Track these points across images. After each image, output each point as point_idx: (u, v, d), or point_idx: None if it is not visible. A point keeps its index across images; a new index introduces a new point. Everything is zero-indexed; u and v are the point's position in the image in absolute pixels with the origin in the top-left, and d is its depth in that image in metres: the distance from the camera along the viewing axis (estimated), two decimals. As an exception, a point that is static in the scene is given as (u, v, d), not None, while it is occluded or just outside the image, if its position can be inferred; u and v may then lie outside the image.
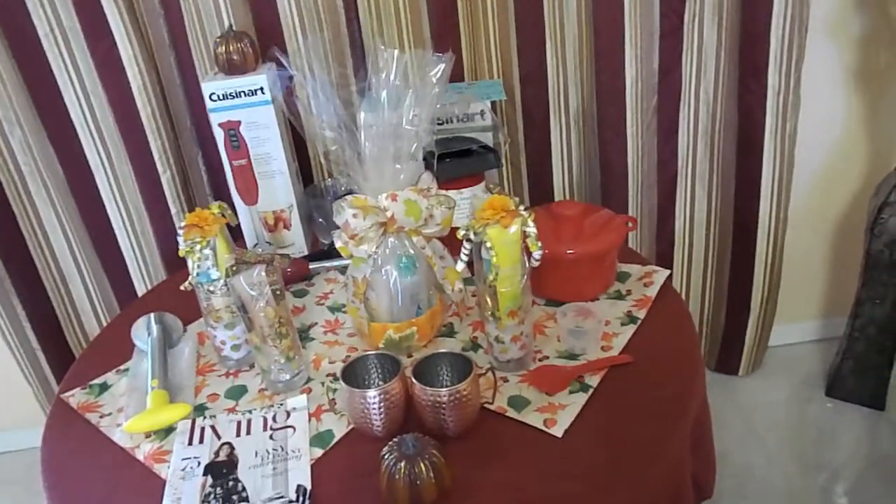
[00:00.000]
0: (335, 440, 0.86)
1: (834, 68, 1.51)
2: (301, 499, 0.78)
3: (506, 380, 0.91)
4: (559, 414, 0.85)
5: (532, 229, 0.86)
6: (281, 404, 0.92)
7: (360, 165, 0.93)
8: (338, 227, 0.95)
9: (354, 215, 0.91)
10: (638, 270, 1.11)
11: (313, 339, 1.05)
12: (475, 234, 0.86)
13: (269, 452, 0.85)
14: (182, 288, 0.96)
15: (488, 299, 0.89)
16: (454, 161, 1.21)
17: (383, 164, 0.92)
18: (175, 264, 1.46)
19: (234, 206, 1.22)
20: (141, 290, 1.52)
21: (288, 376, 0.94)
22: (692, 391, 0.89)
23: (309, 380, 0.96)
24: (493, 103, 1.30)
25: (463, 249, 0.88)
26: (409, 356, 0.97)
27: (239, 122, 1.16)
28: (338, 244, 0.95)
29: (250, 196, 1.23)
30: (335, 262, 1.20)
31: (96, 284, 1.55)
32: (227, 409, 0.93)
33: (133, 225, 1.47)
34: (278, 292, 0.90)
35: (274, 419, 0.90)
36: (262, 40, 1.28)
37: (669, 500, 0.82)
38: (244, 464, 0.83)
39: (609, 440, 0.82)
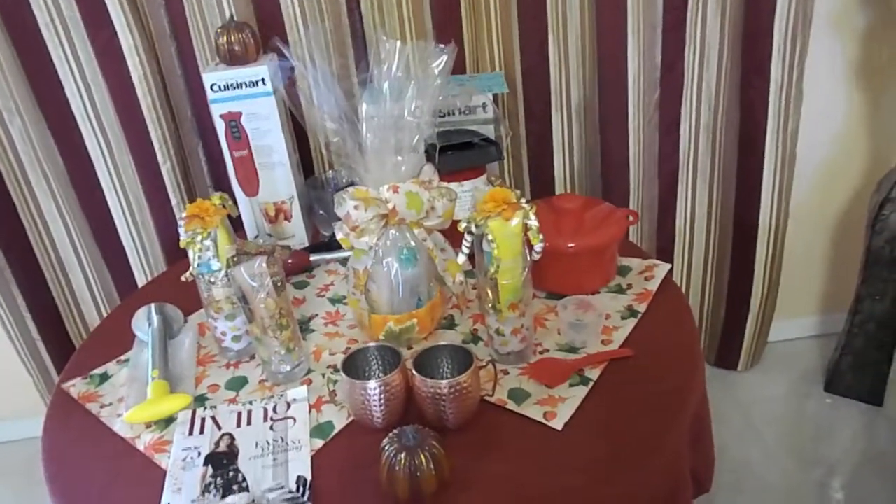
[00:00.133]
0: (335, 431, 0.86)
1: (836, 63, 1.50)
2: (301, 489, 0.78)
3: (506, 372, 0.91)
4: (559, 407, 0.85)
5: (534, 222, 0.86)
6: (281, 395, 0.92)
7: (362, 157, 0.92)
8: (339, 219, 0.94)
9: (356, 207, 0.90)
10: (639, 264, 1.11)
11: (314, 330, 1.05)
12: (476, 226, 0.86)
13: (269, 443, 0.85)
14: (183, 279, 0.96)
15: (489, 292, 0.89)
16: (456, 153, 1.21)
17: (385, 156, 0.92)
18: (175, 255, 1.46)
19: (235, 197, 1.21)
20: (141, 280, 1.52)
21: (288, 367, 0.94)
22: (692, 385, 0.89)
23: (309, 371, 0.96)
24: (494, 96, 1.30)
25: (464, 242, 0.88)
26: (410, 348, 0.97)
27: (240, 113, 1.16)
28: (339, 236, 0.95)
29: (251, 187, 1.23)
30: (336, 254, 1.20)
31: (96, 275, 1.55)
32: (228, 399, 0.93)
33: (133, 215, 1.46)
34: (279, 283, 0.90)
35: (274, 410, 0.90)
36: (263, 31, 1.27)
37: (668, 494, 0.82)
38: (244, 454, 0.84)
39: (609, 433, 0.82)
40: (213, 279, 0.95)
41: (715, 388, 1.03)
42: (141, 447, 0.87)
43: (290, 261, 1.16)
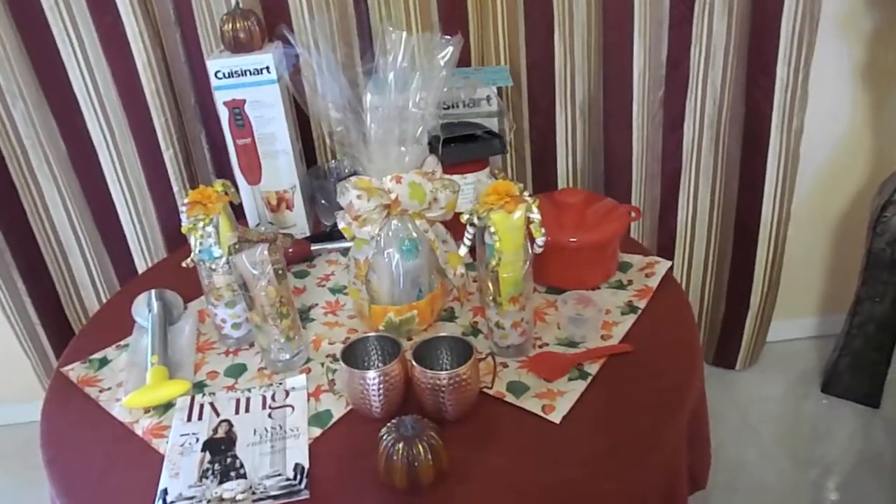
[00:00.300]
0: (333, 420, 0.86)
1: (842, 64, 1.50)
2: (298, 477, 0.78)
3: (505, 365, 0.91)
4: (558, 400, 0.85)
5: (536, 215, 0.86)
6: (280, 383, 0.92)
7: (365, 147, 0.92)
8: (341, 209, 0.94)
9: (359, 196, 0.90)
10: (640, 261, 1.11)
11: (313, 319, 1.05)
12: (479, 218, 0.86)
13: (267, 430, 0.85)
14: (184, 265, 0.96)
15: (490, 284, 0.89)
16: (459, 146, 1.21)
17: (388, 147, 0.92)
18: (176, 242, 1.46)
19: (237, 185, 1.21)
20: (141, 267, 1.52)
21: (287, 356, 0.94)
22: (690, 382, 0.89)
23: (308, 360, 0.96)
24: (499, 89, 1.30)
25: (466, 234, 0.88)
26: (409, 339, 0.97)
27: (244, 101, 1.16)
28: (341, 225, 0.95)
29: (253, 175, 1.22)
30: (337, 244, 1.20)
31: (97, 260, 1.55)
32: (227, 386, 0.93)
33: (135, 202, 1.46)
34: (280, 272, 0.90)
35: (273, 398, 0.90)
36: (268, 18, 1.26)
37: (664, 490, 0.82)
38: (242, 441, 0.84)
39: (606, 428, 0.82)
40: (214, 266, 0.95)
41: (712, 387, 1.03)
42: (139, 432, 0.87)
43: (291, 249, 1.16)
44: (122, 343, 1.03)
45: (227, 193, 0.97)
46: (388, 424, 0.76)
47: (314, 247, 1.21)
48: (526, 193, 0.88)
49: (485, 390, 0.86)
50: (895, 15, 1.45)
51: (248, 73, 1.14)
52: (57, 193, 1.46)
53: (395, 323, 0.96)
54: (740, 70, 1.41)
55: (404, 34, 0.91)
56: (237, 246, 0.89)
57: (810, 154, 1.51)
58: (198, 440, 0.84)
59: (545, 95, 1.42)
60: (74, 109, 1.37)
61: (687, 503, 0.88)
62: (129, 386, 0.93)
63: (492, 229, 0.85)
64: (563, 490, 0.75)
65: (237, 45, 1.15)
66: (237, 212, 1.03)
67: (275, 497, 0.76)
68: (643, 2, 1.31)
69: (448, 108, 1.27)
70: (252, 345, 1.00)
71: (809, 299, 1.80)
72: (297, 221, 1.26)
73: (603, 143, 1.47)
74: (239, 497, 0.76)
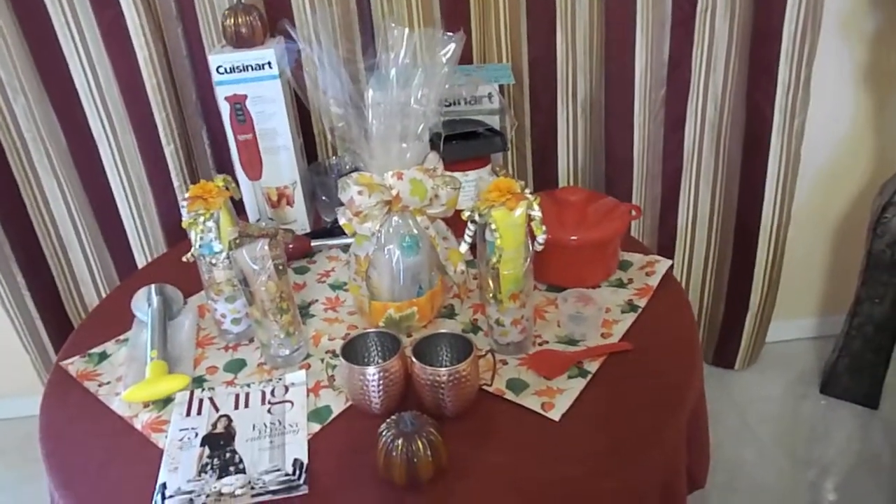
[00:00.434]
0: (333, 416, 0.86)
1: (843, 66, 1.50)
2: (297, 472, 0.78)
3: (505, 362, 0.91)
4: (557, 398, 0.85)
5: (537, 213, 0.86)
6: (280, 379, 0.92)
7: (367, 143, 0.92)
8: (341, 205, 0.94)
9: (360, 192, 0.90)
10: (640, 259, 1.11)
11: (313, 315, 1.05)
12: (480, 215, 0.86)
13: (266, 426, 0.85)
14: (184, 259, 0.96)
15: (490, 282, 0.89)
16: (460, 143, 1.21)
17: (390, 143, 0.92)
18: (176, 237, 1.46)
19: (238, 180, 1.21)
20: (141, 262, 1.52)
21: (287, 351, 0.94)
22: (690, 381, 0.89)
23: (308, 356, 0.96)
24: (500, 87, 1.30)
25: (467, 231, 0.88)
26: (409, 336, 0.97)
27: (245, 96, 1.16)
28: (342, 221, 0.95)
29: (254, 171, 1.22)
30: (337, 241, 1.20)
31: (97, 255, 1.54)
32: (226, 381, 0.93)
33: (135, 197, 1.46)
34: (280, 267, 0.90)
35: (272, 393, 0.90)
36: (270, 13, 1.26)
37: (663, 488, 0.82)
38: (241, 436, 0.84)
39: (606, 426, 0.82)
40: (214, 261, 0.95)
41: (711, 387, 1.03)
42: (138, 426, 0.87)
43: (291, 245, 1.16)
44: (121, 337, 1.03)
45: (227, 188, 0.97)
46: (388, 420, 0.76)
47: (314, 243, 1.21)
48: (527, 191, 0.87)
49: (484, 387, 0.86)
50: (898, 16, 1.45)
51: (249, 68, 1.14)
52: (57, 187, 1.46)
53: (395, 319, 0.96)
54: (742, 70, 1.41)
55: (406, 30, 0.91)
56: (238, 241, 0.89)
57: (811, 155, 1.51)
58: (197, 435, 0.84)
59: (547, 93, 1.42)
60: (75, 104, 1.37)
61: (686, 502, 0.88)
62: (129, 380, 0.93)
63: (493, 226, 0.85)
64: (562, 487, 0.75)
65: (239, 40, 1.14)
66: (238, 207, 1.03)
67: (274, 492, 0.76)
68: (646, 1, 1.31)
69: (450, 104, 1.27)
70: (252, 340, 1.00)
71: (809, 300, 1.81)
72: (298, 217, 1.26)
73: (604, 142, 1.47)
74: (238, 492, 0.76)
